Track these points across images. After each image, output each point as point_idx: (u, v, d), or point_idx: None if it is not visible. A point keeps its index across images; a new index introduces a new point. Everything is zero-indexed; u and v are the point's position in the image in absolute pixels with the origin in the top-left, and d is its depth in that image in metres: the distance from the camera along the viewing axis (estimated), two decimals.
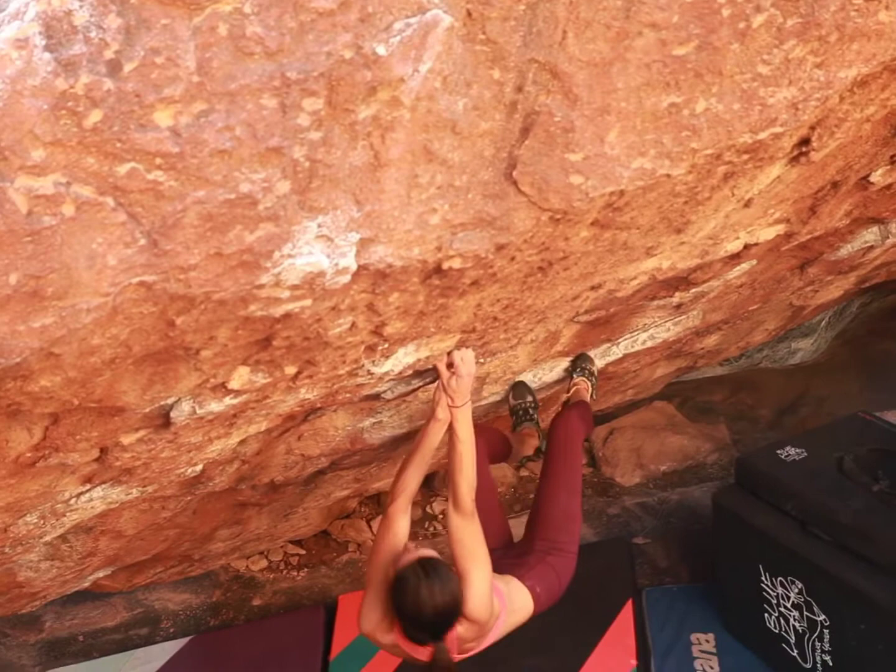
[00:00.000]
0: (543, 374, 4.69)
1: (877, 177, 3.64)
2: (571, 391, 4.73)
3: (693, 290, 4.18)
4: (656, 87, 2.51)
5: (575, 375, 4.73)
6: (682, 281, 3.97)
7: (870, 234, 4.56)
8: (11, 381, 2.37)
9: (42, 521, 3.42)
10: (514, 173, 2.58)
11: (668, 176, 2.74)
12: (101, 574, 4.89)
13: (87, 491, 3.33)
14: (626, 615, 5.17)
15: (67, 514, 3.47)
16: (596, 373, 4.76)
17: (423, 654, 3.43)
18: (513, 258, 2.90)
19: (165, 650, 5.72)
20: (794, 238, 3.99)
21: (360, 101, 2.22)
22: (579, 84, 2.44)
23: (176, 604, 6.09)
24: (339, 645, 5.42)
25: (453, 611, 3.36)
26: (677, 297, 4.24)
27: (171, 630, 5.95)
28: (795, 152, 3.01)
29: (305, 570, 6.29)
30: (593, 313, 3.96)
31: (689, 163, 2.73)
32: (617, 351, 4.91)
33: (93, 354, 2.40)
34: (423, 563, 3.37)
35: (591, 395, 4.76)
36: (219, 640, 5.75)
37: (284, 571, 6.32)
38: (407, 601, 3.31)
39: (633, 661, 4.93)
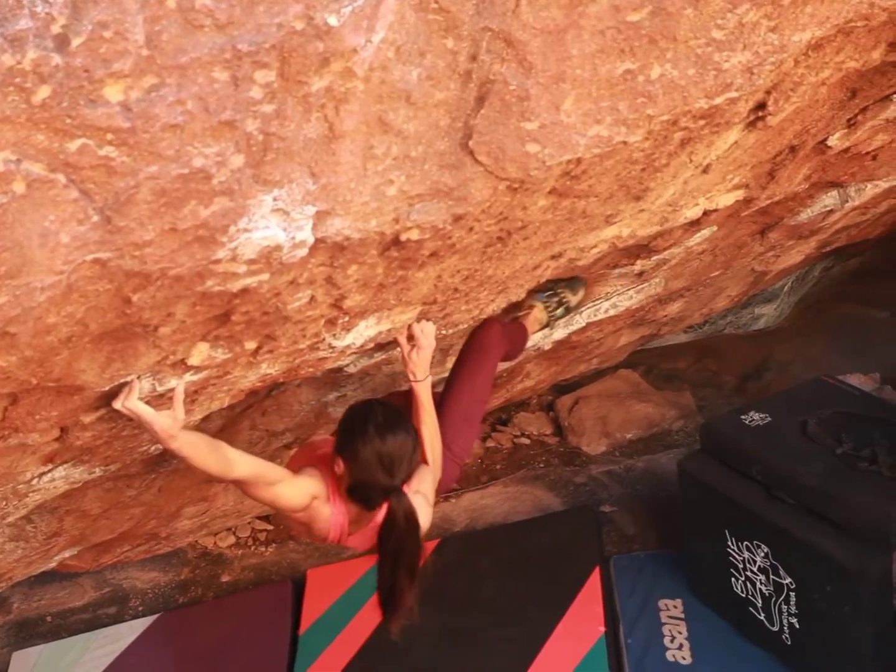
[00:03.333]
0: None
1: (834, 140, 3.66)
2: (522, 313, 4.53)
3: (654, 257, 4.19)
4: (611, 53, 2.51)
5: (538, 301, 4.48)
6: (643, 249, 3.97)
7: (829, 199, 4.58)
8: None
9: (4, 503, 3.40)
10: (471, 143, 2.57)
11: (625, 143, 2.74)
12: (67, 554, 4.88)
13: (50, 471, 3.31)
14: (594, 583, 5.20)
15: (30, 494, 3.45)
16: (571, 306, 4.48)
17: (365, 522, 3.37)
18: (471, 229, 2.90)
19: (133, 628, 5.72)
20: (754, 203, 4.00)
21: (313, 73, 2.20)
22: (534, 52, 2.44)
23: (144, 582, 6.08)
24: (307, 619, 5.43)
25: (414, 445, 3.28)
26: (639, 265, 4.25)
27: (140, 609, 5.94)
28: (752, 117, 3.02)
29: (273, 545, 6.29)
30: None
31: (646, 129, 2.73)
32: (580, 320, 4.92)
33: (49, 333, 2.38)
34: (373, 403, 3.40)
35: (542, 326, 4.53)
36: (187, 617, 5.75)
37: (252, 547, 6.31)
38: (371, 431, 3.19)
39: (602, 628, 4.95)
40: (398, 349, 3.60)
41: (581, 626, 5.00)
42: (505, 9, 2.34)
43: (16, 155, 2.01)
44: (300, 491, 3.20)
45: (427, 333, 3.52)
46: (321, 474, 3.29)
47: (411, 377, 3.57)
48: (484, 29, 2.36)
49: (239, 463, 3.08)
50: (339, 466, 3.21)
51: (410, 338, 3.52)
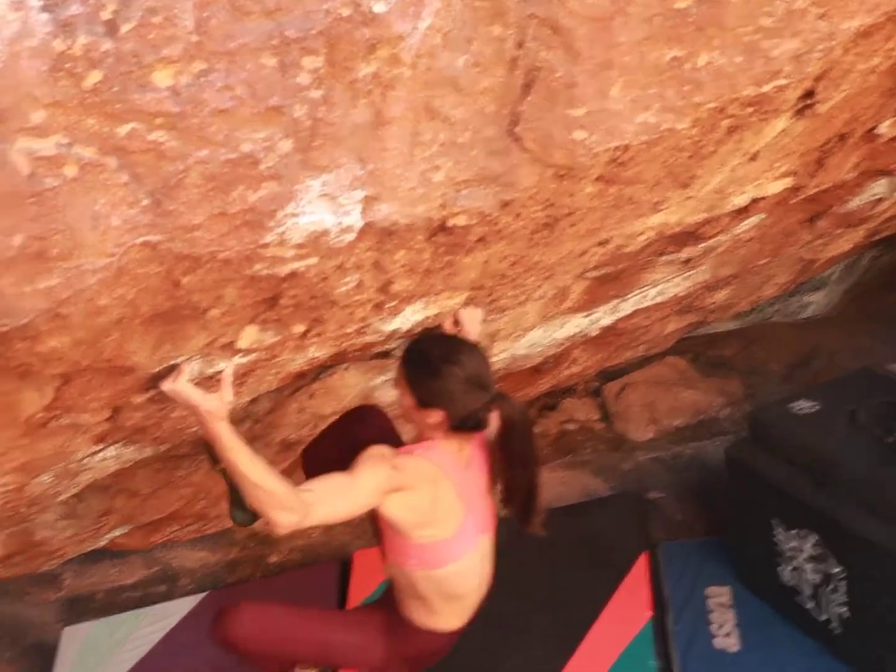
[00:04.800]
0: (554, 331, 4.69)
1: (884, 128, 3.63)
2: None
3: (702, 244, 4.18)
4: (658, 40, 2.51)
5: None
6: (690, 236, 3.96)
7: (878, 187, 4.54)
8: (20, 342, 2.39)
9: (56, 481, 3.45)
10: (517, 129, 2.59)
11: (672, 130, 2.74)
12: (117, 533, 4.93)
13: (101, 450, 3.36)
14: (641, 569, 5.18)
15: (81, 473, 3.50)
16: None
17: (466, 446, 3.27)
18: (518, 215, 2.91)
19: (182, 606, 5.76)
20: (802, 191, 3.98)
21: (360, 59, 2.22)
22: (580, 39, 2.44)
23: (193, 561, 6.12)
24: (353, 601, 5.45)
25: (481, 350, 3.27)
26: (686, 253, 4.24)
27: (189, 587, 5.99)
28: (800, 105, 3.01)
29: (320, 527, 6.31)
30: (602, 269, 3.96)
31: (693, 117, 2.73)
32: (626, 307, 4.91)
33: (100, 315, 2.42)
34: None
35: None
36: (234, 596, 5.78)
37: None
38: (445, 367, 3.09)
39: (649, 613, 4.95)
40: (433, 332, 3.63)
41: (627, 611, 4.98)
42: None
43: (67, 139, 2.05)
44: (371, 454, 3.07)
45: (474, 319, 3.52)
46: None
47: None
48: (530, 16, 2.37)
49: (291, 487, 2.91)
50: (436, 415, 3.12)
51: (457, 323, 3.52)
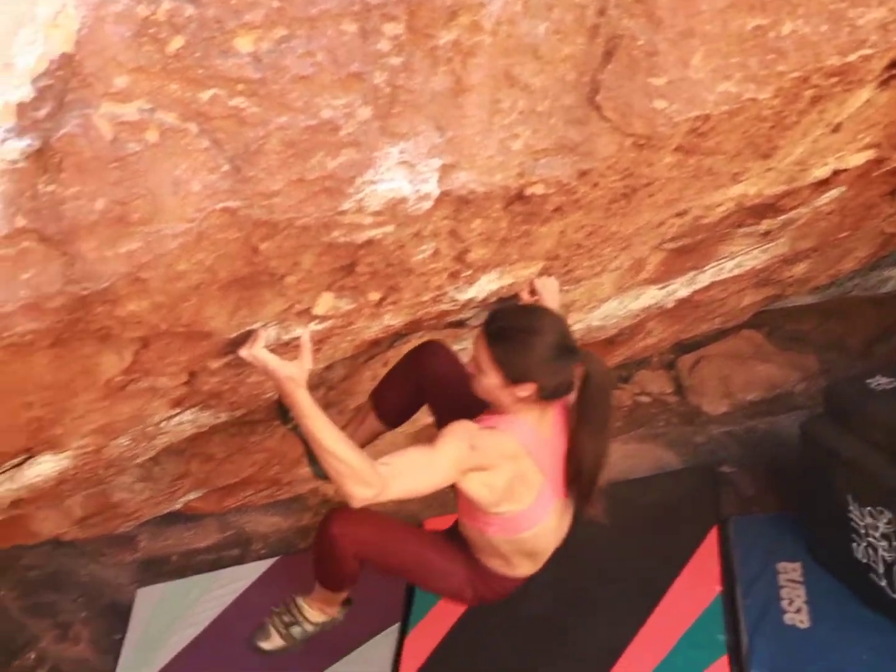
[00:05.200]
0: (629, 302, 4.67)
1: None
2: None
3: (781, 217, 4.13)
4: (741, 9, 2.48)
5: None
6: (769, 208, 3.91)
7: None
8: (100, 306, 2.41)
9: (133, 444, 3.49)
10: (597, 98, 2.57)
11: (754, 100, 2.71)
12: (192, 496, 5.00)
13: (177, 414, 3.39)
14: (711, 542, 5.17)
15: (158, 436, 3.54)
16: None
17: (548, 411, 3.23)
18: (596, 184, 2.89)
19: (254, 570, 5.83)
20: (886, 164, 3.91)
21: (441, 26, 2.22)
22: (663, 7, 2.42)
23: (266, 526, 6.18)
24: None
25: (558, 315, 3.28)
26: (765, 225, 4.19)
27: (262, 552, 6.05)
28: (886, 75, 2.95)
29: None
30: (679, 240, 3.92)
31: (776, 86, 2.69)
32: (703, 279, 4.87)
33: (179, 280, 2.44)
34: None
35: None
36: (306, 561, 5.84)
37: None
38: (530, 339, 3.06)
39: (718, 588, 4.93)
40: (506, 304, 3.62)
41: (697, 585, 4.97)
42: None
43: (150, 104, 2.07)
44: (453, 431, 3.05)
45: (550, 289, 3.50)
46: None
47: None
48: None
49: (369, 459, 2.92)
50: (526, 389, 3.07)
51: (533, 293, 3.51)
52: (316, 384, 3.88)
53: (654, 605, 4.93)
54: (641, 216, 3.30)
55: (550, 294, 3.48)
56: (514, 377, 3.06)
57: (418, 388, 3.58)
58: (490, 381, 3.10)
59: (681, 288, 4.83)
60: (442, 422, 3.52)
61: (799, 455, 4.93)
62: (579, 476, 3.28)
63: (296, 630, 3.84)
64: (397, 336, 3.70)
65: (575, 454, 3.26)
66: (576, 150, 2.69)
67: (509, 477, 3.12)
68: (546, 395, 3.12)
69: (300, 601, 3.87)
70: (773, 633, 4.71)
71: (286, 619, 3.85)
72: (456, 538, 3.57)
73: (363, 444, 3.78)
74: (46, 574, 5.71)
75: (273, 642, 3.86)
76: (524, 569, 3.52)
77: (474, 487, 3.10)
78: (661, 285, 4.64)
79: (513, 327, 3.10)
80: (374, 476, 2.86)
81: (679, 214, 3.48)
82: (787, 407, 6.33)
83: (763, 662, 4.58)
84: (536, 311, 3.22)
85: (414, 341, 3.90)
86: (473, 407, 3.29)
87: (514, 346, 3.07)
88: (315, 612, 3.84)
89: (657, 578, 5.05)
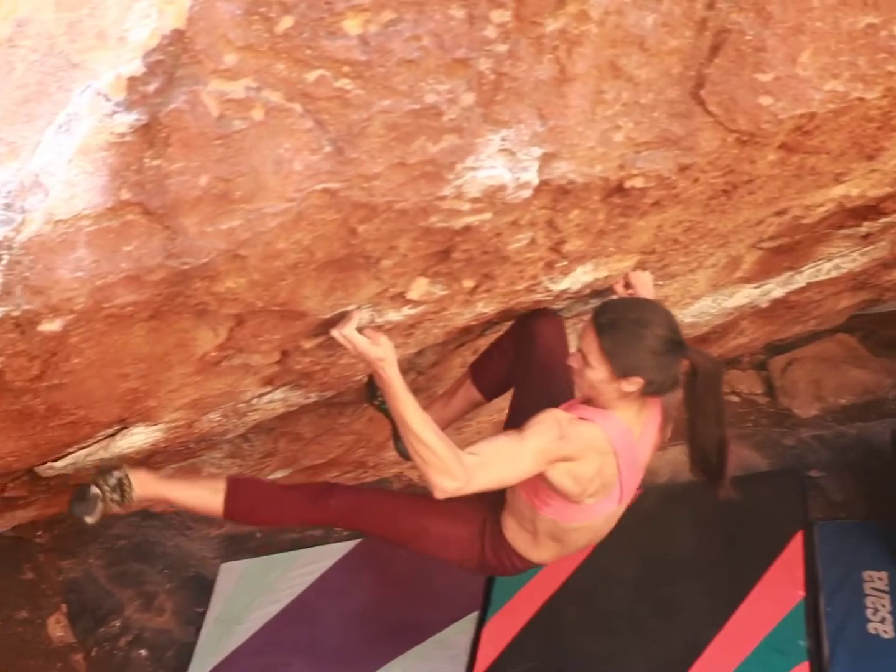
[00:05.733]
0: (723, 300, 4.63)
1: None
2: None
3: (883, 220, 4.06)
4: (853, 6, 2.45)
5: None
6: (871, 210, 3.86)
7: None
8: (199, 281, 2.44)
9: (224, 419, 3.53)
10: (702, 92, 2.55)
11: (862, 99, 2.67)
12: (279, 475, 5.03)
13: (268, 392, 3.42)
14: (796, 546, 5.11)
15: (248, 413, 3.57)
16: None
17: (644, 410, 3.16)
18: (696, 179, 2.87)
19: (336, 551, 5.86)
20: None
21: (548, 14, 2.21)
22: (773, 2, 2.40)
23: None
24: None
25: (664, 308, 3.20)
26: (865, 227, 4.13)
27: (344, 533, 6.07)
28: None
29: None
30: (777, 240, 3.88)
31: (885, 86, 2.66)
32: (800, 279, 4.81)
33: (277, 258, 2.47)
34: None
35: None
36: (388, 545, 5.86)
37: None
38: (641, 331, 2.97)
39: (801, 593, 4.88)
40: (613, 297, 3.58)
41: (780, 589, 4.92)
42: None
43: (256, 83, 2.09)
44: (543, 420, 2.99)
45: (645, 283, 3.45)
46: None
47: None
48: None
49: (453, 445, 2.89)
50: (633, 384, 2.99)
51: (627, 286, 3.48)
52: (406, 369, 3.88)
53: (736, 606, 4.89)
54: (740, 214, 3.27)
55: (645, 288, 3.44)
56: (622, 371, 2.97)
57: (518, 367, 3.53)
58: (596, 375, 3.01)
59: (776, 288, 4.78)
60: (519, 401, 3.53)
61: (889, 462, 4.86)
62: (708, 465, 3.22)
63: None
64: (489, 324, 3.69)
65: (697, 446, 3.19)
66: (678, 144, 2.67)
67: (596, 470, 3.08)
68: (651, 391, 3.06)
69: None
70: (856, 641, 4.65)
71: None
72: (481, 508, 3.48)
73: (458, 415, 3.82)
74: (134, 544, 5.79)
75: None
76: (544, 555, 3.45)
77: (560, 477, 3.05)
78: (756, 284, 4.59)
79: (624, 319, 3.00)
80: (459, 468, 2.84)
81: (778, 213, 3.45)
82: (879, 413, 6.24)
83: (844, 670, 4.53)
84: (647, 304, 3.15)
85: (505, 329, 3.89)
86: (559, 393, 3.29)
87: (624, 338, 2.97)
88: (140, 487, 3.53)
89: (740, 580, 5.01)
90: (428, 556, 3.61)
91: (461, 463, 2.84)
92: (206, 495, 3.52)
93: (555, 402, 3.15)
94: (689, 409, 3.12)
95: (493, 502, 3.39)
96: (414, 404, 2.87)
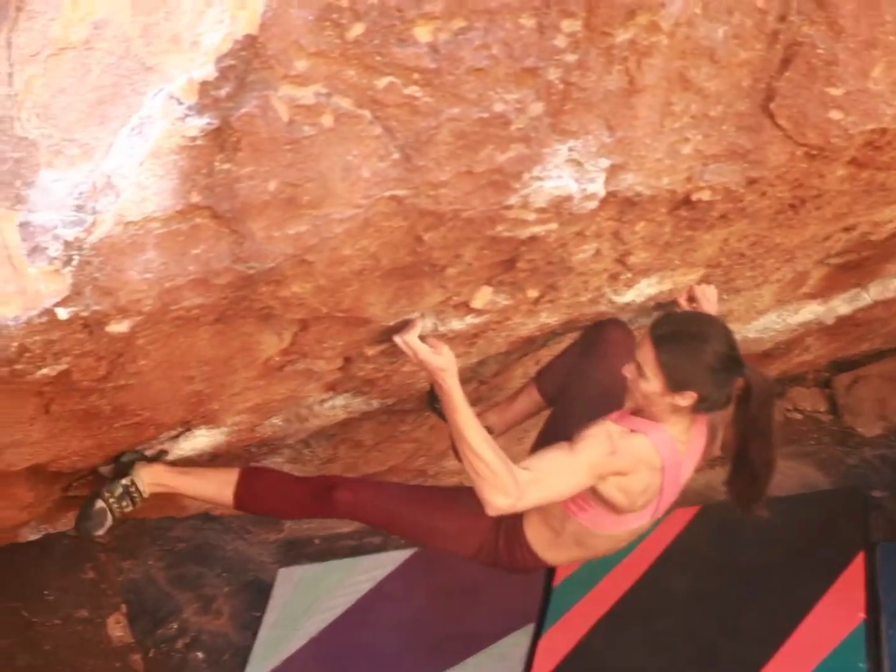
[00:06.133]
0: (788, 316, 4.60)
1: None
2: None
3: None
4: None
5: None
6: None
7: None
8: (265, 286, 2.46)
9: (286, 424, 3.55)
10: (772, 105, 2.54)
11: None
12: None
13: (330, 399, 3.44)
14: (857, 568, 5.04)
15: (310, 419, 3.58)
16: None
17: (692, 426, 3.08)
18: (764, 193, 2.86)
19: (393, 559, 5.85)
20: None
21: (619, 25, 2.21)
22: (846, 15, 2.38)
23: None
24: (563, 571, 5.46)
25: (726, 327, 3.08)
26: None
27: (402, 541, 6.08)
28: None
29: None
30: (844, 256, 3.85)
31: None
32: (867, 297, 4.77)
33: (343, 264, 2.48)
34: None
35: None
36: (443, 555, 5.85)
37: None
38: (699, 347, 2.89)
39: (862, 615, 4.82)
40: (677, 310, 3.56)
41: (840, 610, 4.86)
42: None
43: (327, 89, 2.10)
44: (594, 433, 2.96)
45: (709, 297, 3.39)
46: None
47: None
48: None
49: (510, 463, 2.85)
50: (686, 398, 2.92)
51: (691, 300, 3.45)
52: (468, 378, 3.89)
53: (795, 626, 4.83)
54: (807, 229, 3.25)
55: (709, 303, 3.40)
56: (677, 384, 2.92)
57: (581, 381, 3.49)
58: (650, 387, 2.95)
59: (842, 305, 4.74)
60: (570, 406, 3.46)
61: None
62: (749, 486, 3.16)
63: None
64: (552, 334, 3.69)
65: (743, 467, 3.13)
66: (746, 158, 2.66)
67: (646, 483, 3.05)
68: (704, 407, 3.01)
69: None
70: None
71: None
72: None
73: (518, 419, 3.78)
74: (193, 547, 5.81)
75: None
76: (560, 556, 3.41)
77: (610, 491, 3.01)
78: (821, 301, 4.56)
79: (682, 332, 2.94)
80: (512, 485, 2.81)
81: (846, 229, 3.42)
82: None
83: None
84: (706, 319, 3.09)
85: (567, 340, 3.89)
86: (613, 404, 3.25)
87: (681, 351, 2.92)
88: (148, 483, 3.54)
89: (800, 599, 4.95)
90: (437, 550, 3.61)
91: (515, 479, 2.81)
92: (217, 487, 3.56)
93: (606, 412, 3.13)
94: (740, 429, 3.07)
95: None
96: (472, 417, 2.84)
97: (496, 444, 2.86)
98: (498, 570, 3.56)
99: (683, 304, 3.42)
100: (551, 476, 2.90)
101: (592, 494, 3.05)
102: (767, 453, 3.10)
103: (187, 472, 3.58)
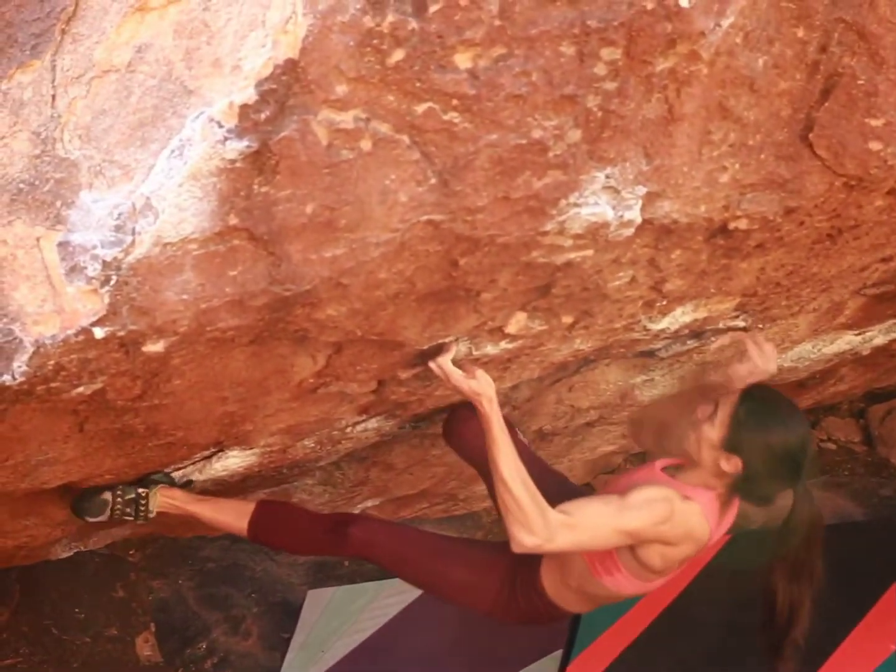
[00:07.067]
0: (823, 346, 4.57)
1: None
2: None
3: None
4: None
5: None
6: None
7: None
8: (300, 308, 2.47)
9: (318, 447, 3.55)
10: (811, 136, 2.54)
11: None
12: (369, 504, 5.05)
13: (363, 421, 3.44)
14: (891, 598, 5.02)
15: (342, 441, 3.59)
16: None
17: (726, 514, 3.00)
18: (801, 223, 2.85)
19: None
20: None
21: (658, 54, 2.22)
22: (887, 46, 2.38)
23: None
24: None
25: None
26: None
27: None
28: None
29: None
30: (881, 287, 3.83)
31: None
32: None
33: (378, 288, 2.48)
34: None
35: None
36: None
37: None
38: (776, 425, 2.83)
39: (894, 646, 4.78)
40: (713, 340, 3.54)
41: (872, 641, 4.84)
42: (862, 1, 2.31)
43: (366, 114, 2.11)
44: (654, 496, 2.87)
45: (768, 356, 3.20)
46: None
47: (730, 384, 3.11)
48: (837, 20, 2.32)
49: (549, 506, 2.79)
50: (732, 465, 2.84)
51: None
52: (501, 403, 3.87)
53: (827, 657, 4.81)
54: (845, 259, 3.23)
55: (766, 363, 3.20)
56: (732, 445, 2.85)
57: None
58: (710, 433, 2.88)
59: (878, 335, 4.71)
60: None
61: None
62: (770, 623, 3.06)
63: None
64: (585, 361, 3.68)
65: (767, 596, 3.04)
66: (784, 187, 2.66)
67: (687, 554, 2.97)
68: (742, 488, 2.92)
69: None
70: None
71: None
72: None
73: None
74: (223, 567, 5.82)
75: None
76: (578, 608, 3.36)
77: (649, 556, 2.92)
78: (857, 331, 4.53)
79: (771, 405, 2.89)
80: (541, 526, 2.74)
81: (884, 260, 3.40)
82: None
83: None
84: (799, 414, 2.96)
85: (602, 367, 3.88)
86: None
87: (758, 418, 2.84)
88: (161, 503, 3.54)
89: (832, 631, 4.92)
90: (448, 601, 3.48)
91: (545, 519, 2.75)
92: (233, 516, 3.56)
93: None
94: (776, 551, 2.98)
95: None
96: (508, 447, 2.81)
97: (530, 480, 2.80)
98: (514, 625, 3.48)
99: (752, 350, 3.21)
100: (590, 528, 2.82)
101: (626, 555, 2.96)
102: (794, 591, 2.99)
103: (205, 500, 3.58)
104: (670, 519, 2.83)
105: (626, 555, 2.96)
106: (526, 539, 2.75)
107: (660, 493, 2.87)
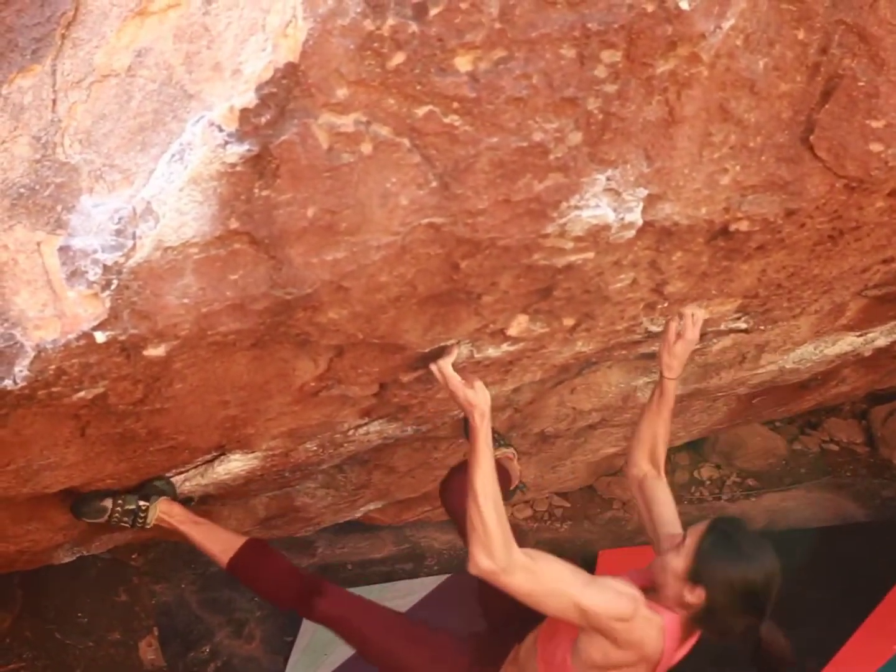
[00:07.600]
0: (825, 347, 4.57)
1: None
2: None
3: None
4: None
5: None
6: None
7: None
8: (302, 312, 2.47)
9: (321, 450, 3.55)
10: (811, 137, 2.53)
11: None
12: (371, 507, 5.05)
13: (365, 424, 3.44)
14: (893, 599, 5.02)
15: (345, 444, 3.59)
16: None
17: (685, 644, 2.95)
18: (802, 225, 2.84)
19: (425, 585, 5.84)
20: None
21: (659, 56, 2.21)
22: (887, 48, 2.38)
23: (441, 543, 6.20)
24: None
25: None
26: None
27: (435, 568, 6.06)
28: None
29: (569, 522, 6.32)
30: (883, 288, 3.82)
31: None
32: None
33: (379, 291, 2.48)
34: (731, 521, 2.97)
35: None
36: (475, 581, 5.81)
37: (548, 522, 6.36)
38: (741, 561, 2.76)
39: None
40: (715, 341, 3.54)
41: (875, 641, 4.85)
42: (862, 2, 2.30)
43: (366, 117, 2.11)
44: (623, 590, 2.85)
45: (697, 323, 3.21)
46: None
47: (666, 371, 3.22)
48: (838, 22, 2.32)
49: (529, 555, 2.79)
50: (696, 597, 2.79)
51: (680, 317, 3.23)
52: (502, 405, 3.89)
53: (830, 658, 4.82)
54: (846, 260, 3.23)
55: (693, 331, 3.20)
56: (696, 575, 2.80)
57: None
58: (675, 563, 2.85)
59: (880, 337, 4.70)
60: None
61: None
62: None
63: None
64: (587, 363, 3.68)
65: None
66: (785, 189, 2.65)
67: (628, 667, 2.89)
68: (704, 621, 2.86)
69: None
70: None
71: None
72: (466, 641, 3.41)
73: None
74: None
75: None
76: None
77: (590, 646, 2.85)
78: (859, 333, 4.53)
79: (738, 540, 2.83)
80: (502, 552, 2.71)
81: (885, 261, 3.40)
82: None
83: None
84: (769, 552, 2.86)
85: (604, 369, 3.88)
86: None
87: (722, 552, 2.79)
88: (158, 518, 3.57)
89: (835, 632, 4.93)
90: None
91: (508, 550, 2.72)
92: (220, 547, 3.60)
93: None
94: None
95: (483, 646, 3.35)
96: (489, 467, 2.76)
97: (503, 506, 2.77)
98: None
99: (672, 329, 3.24)
100: (549, 583, 2.79)
101: (571, 652, 2.91)
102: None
103: (199, 524, 3.61)
104: (629, 620, 2.79)
105: (565, 640, 2.92)
106: (483, 561, 2.73)
107: (630, 592, 2.85)
